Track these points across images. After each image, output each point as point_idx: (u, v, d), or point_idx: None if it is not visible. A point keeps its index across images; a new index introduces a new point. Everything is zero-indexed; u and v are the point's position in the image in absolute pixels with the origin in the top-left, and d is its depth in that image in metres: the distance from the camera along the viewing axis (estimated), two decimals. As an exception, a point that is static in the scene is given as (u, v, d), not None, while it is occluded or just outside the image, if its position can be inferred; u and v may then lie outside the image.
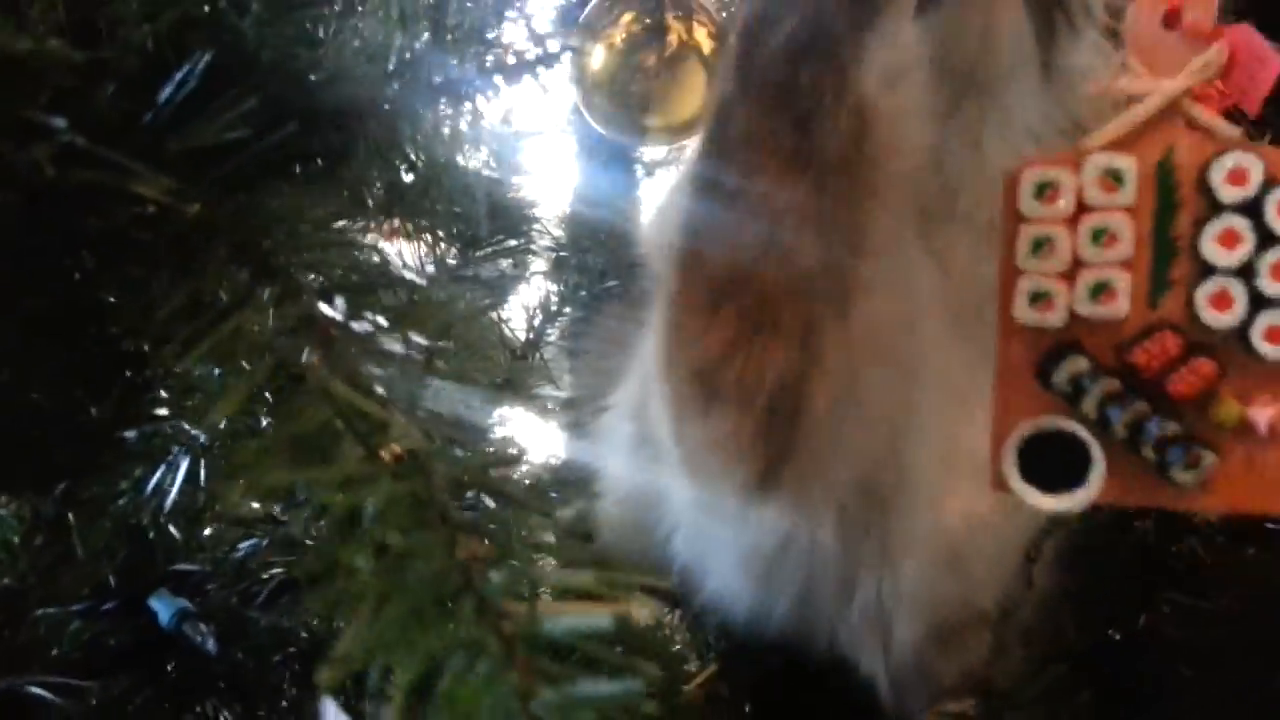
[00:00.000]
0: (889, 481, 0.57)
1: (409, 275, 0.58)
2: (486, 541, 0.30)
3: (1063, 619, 0.72)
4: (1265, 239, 0.39)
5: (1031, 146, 0.52)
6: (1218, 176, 0.39)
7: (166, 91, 0.38)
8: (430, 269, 0.68)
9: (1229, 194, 0.39)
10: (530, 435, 0.86)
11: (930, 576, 0.62)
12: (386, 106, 0.44)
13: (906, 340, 0.53)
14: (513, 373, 0.91)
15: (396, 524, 0.30)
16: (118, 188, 0.36)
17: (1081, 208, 0.39)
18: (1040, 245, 0.40)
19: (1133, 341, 0.40)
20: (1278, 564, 0.67)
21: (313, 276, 0.38)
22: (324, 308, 0.36)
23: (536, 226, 0.94)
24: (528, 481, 0.33)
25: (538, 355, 0.95)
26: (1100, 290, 0.40)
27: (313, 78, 0.42)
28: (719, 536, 0.63)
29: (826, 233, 0.47)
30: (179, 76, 0.39)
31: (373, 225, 0.55)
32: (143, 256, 0.37)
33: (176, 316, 0.36)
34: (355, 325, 0.36)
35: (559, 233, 0.99)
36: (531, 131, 0.95)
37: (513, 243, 0.87)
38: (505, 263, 0.87)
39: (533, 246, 0.87)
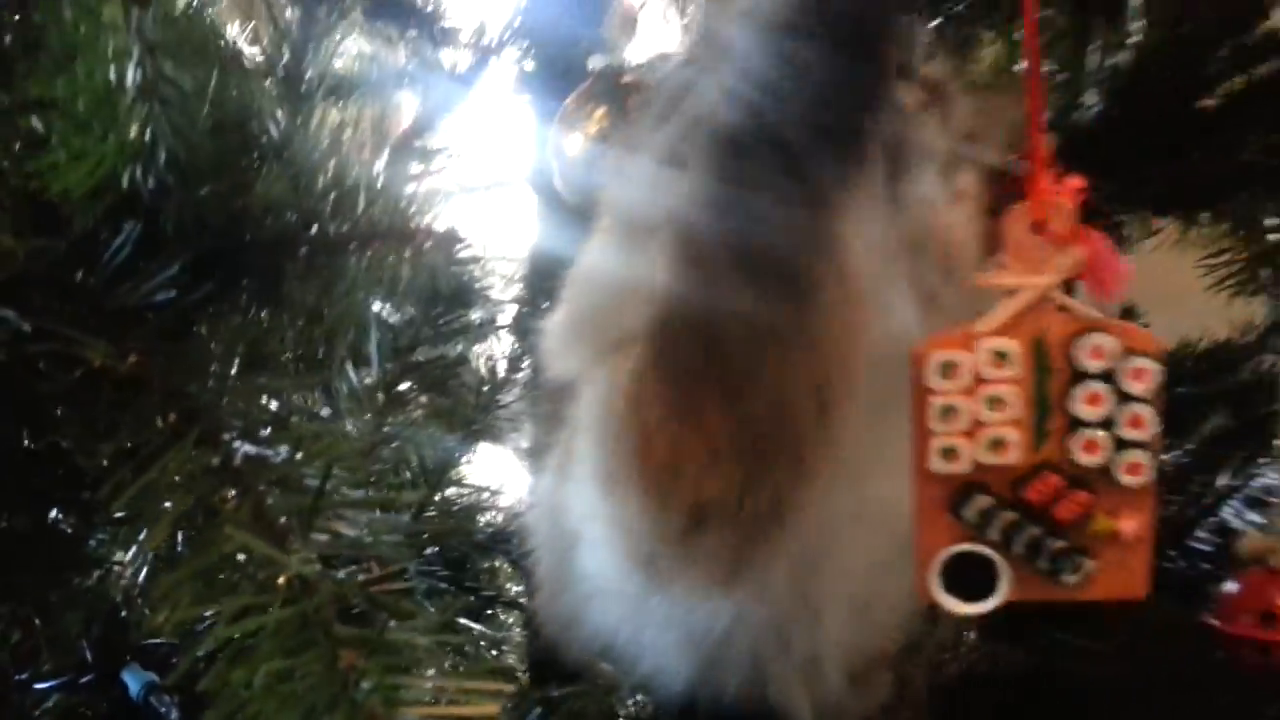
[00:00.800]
0: (819, 545, 0.63)
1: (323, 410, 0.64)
2: (365, 652, 0.37)
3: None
4: (1122, 398, 0.50)
5: None
6: (1081, 352, 0.49)
7: (103, 261, 0.45)
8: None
9: (1091, 365, 0.49)
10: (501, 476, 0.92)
11: (848, 625, 0.67)
12: (304, 254, 0.51)
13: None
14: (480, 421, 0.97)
15: (284, 644, 0.36)
16: (62, 353, 0.43)
17: (978, 380, 0.49)
18: (947, 412, 0.50)
19: (1023, 481, 0.51)
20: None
21: (234, 420, 0.45)
22: (241, 446, 0.43)
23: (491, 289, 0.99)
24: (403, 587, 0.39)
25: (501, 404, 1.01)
26: (996, 444, 0.50)
27: (235, 236, 0.48)
28: (661, 624, 0.64)
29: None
30: (113, 247, 0.46)
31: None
32: (88, 407, 0.44)
33: (115, 457, 0.43)
34: (269, 458, 0.43)
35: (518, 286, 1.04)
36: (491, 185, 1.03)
37: (468, 316, 0.92)
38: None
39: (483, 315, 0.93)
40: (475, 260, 0.86)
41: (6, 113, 0.43)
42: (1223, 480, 0.92)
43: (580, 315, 0.63)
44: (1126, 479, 0.50)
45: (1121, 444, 0.50)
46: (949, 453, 0.50)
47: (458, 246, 0.83)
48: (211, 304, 0.51)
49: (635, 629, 0.64)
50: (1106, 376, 0.50)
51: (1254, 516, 0.89)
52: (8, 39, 0.45)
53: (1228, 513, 0.90)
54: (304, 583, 0.38)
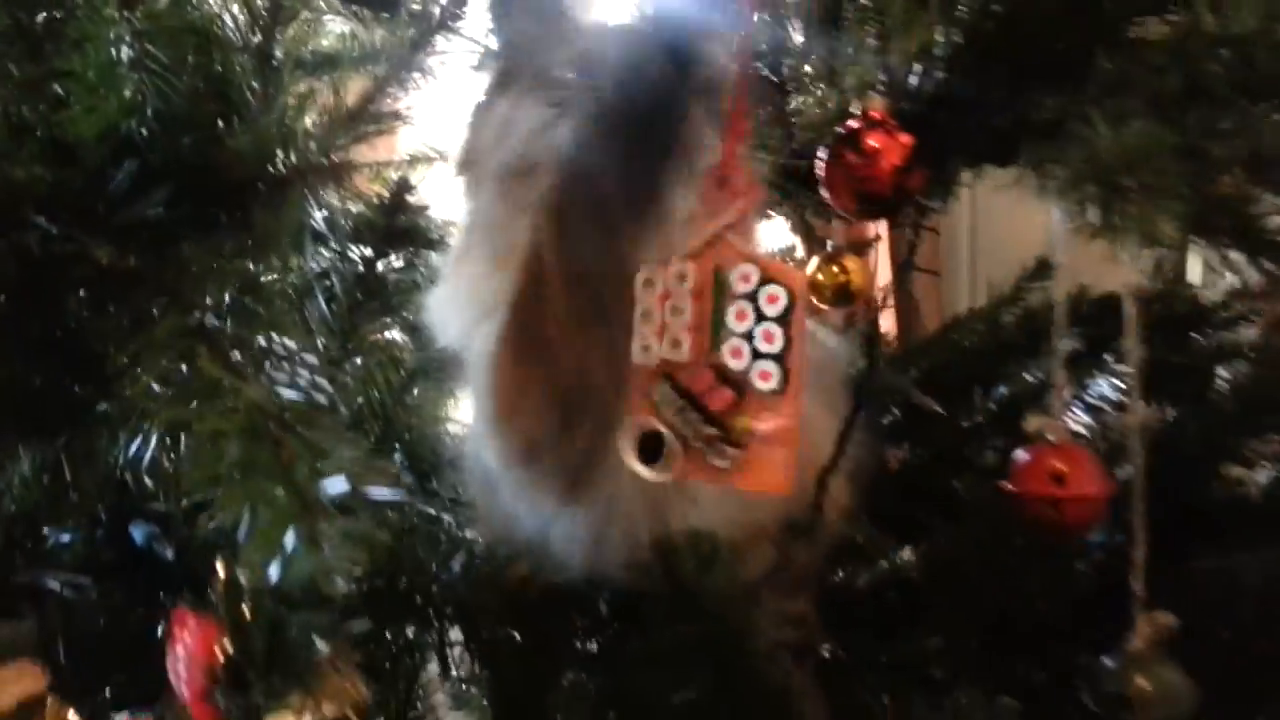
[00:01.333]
0: None
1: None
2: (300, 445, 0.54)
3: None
4: (759, 316, 0.65)
5: None
6: (735, 277, 0.65)
7: (109, 189, 0.62)
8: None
9: (740, 287, 0.65)
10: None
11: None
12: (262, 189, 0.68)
13: None
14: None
15: (243, 444, 0.54)
16: (79, 254, 0.60)
17: (666, 293, 0.65)
18: (644, 316, 0.66)
19: (690, 374, 0.66)
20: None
21: (208, 300, 0.62)
22: (212, 319, 0.60)
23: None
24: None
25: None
26: (675, 343, 0.65)
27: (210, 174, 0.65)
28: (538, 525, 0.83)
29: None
30: (118, 178, 0.63)
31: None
32: (97, 295, 0.61)
33: (121, 331, 0.60)
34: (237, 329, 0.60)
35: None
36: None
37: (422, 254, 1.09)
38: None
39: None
40: (422, 208, 1.05)
41: (38, 81, 0.60)
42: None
43: (456, 290, 0.82)
44: (759, 384, 0.65)
45: (757, 354, 0.65)
46: (645, 349, 0.66)
47: (412, 197, 1.01)
48: (192, 224, 0.68)
49: (527, 529, 0.83)
50: (751, 298, 0.65)
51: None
52: (38, 29, 0.62)
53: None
54: (256, 405, 0.55)
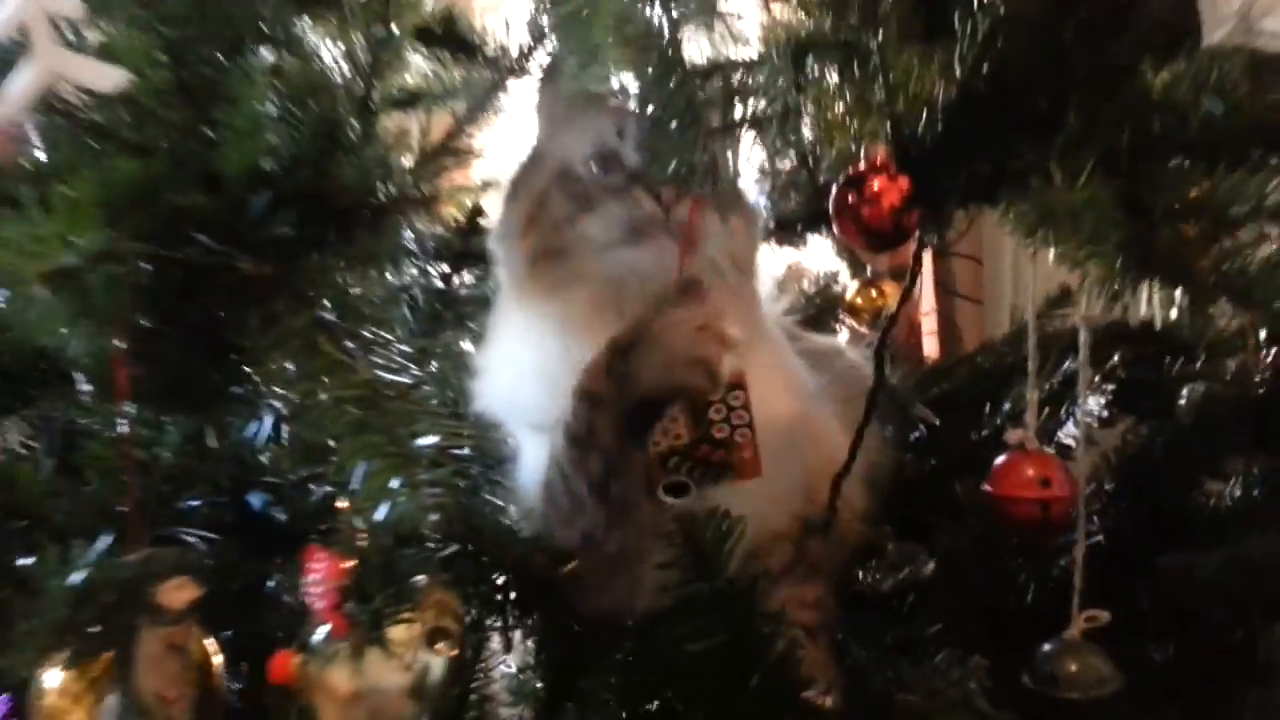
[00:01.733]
0: None
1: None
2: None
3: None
4: (729, 407, 0.95)
5: None
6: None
7: (249, 214, 0.80)
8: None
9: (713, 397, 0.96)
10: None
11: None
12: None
13: None
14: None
15: (359, 408, 0.70)
16: (227, 265, 0.77)
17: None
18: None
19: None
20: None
21: (326, 303, 0.79)
22: (329, 317, 0.77)
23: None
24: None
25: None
26: (677, 435, 0.95)
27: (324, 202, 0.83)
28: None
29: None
30: (256, 204, 0.80)
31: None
32: (239, 297, 0.78)
33: (255, 326, 0.77)
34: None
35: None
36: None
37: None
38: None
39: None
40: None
41: (200, 128, 0.78)
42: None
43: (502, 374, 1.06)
44: (738, 440, 0.94)
45: (734, 427, 0.93)
46: (656, 443, 0.93)
47: (479, 218, 1.19)
48: (312, 241, 0.85)
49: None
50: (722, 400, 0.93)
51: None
52: (197, 85, 0.79)
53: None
54: (367, 380, 0.72)
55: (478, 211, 1.19)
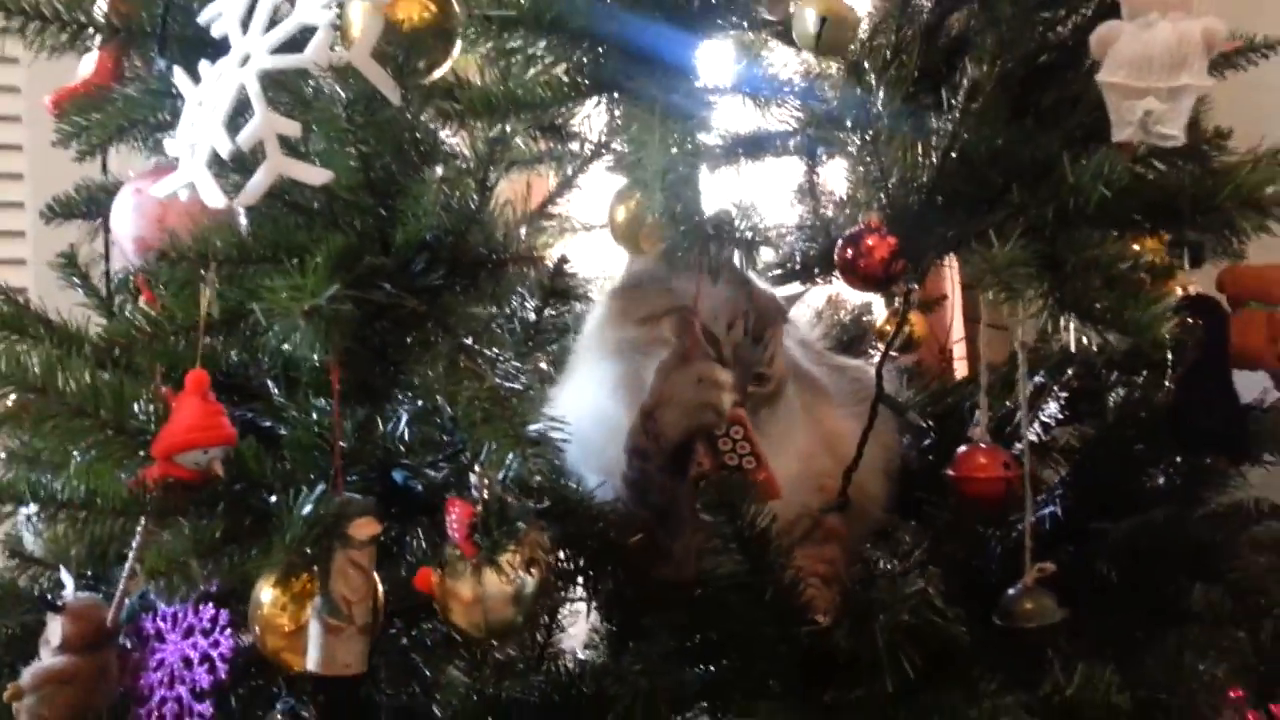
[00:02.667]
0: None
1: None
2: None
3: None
4: (733, 441, 1.34)
5: None
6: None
7: (415, 266, 1.14)
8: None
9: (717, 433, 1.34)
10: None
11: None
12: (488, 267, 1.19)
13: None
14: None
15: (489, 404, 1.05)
16: (398, 304, 1.12)
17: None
18: None
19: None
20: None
21: (464, 333, 1.14)
22: (469, 342, 1.12)
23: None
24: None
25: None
26: (699, 464, 1.33)
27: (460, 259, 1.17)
28: None
29: None
30: (418, 261, 1.15)
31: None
32: (403, 326, 1.13)
33: (413, 351, 1.13)
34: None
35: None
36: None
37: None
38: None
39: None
40: (576, 275, 1.58)
41: (380, 212, 1.13)
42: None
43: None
44: (746, 465, 1.24)
45: (740, 455, 1.25)
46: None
47: (567, 267, 1.54)
48: (452, 288, 1.19)
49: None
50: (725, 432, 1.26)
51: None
52: (380, 182, 1.14)
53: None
54: (493, 386, 1.07)
55: (564, 260, 1.55)
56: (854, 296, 2.04)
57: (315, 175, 1.11)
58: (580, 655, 1.38)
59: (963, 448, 1.38)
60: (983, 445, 1.37)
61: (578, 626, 1.42)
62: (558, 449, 1.13)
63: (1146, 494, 1.51)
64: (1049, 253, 1.23)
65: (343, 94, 1.09)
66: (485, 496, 1.05)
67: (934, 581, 1.20)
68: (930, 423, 1.61)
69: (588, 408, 1.39)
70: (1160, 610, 1.38)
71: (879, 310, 2.01)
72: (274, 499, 1.09)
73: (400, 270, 1.13)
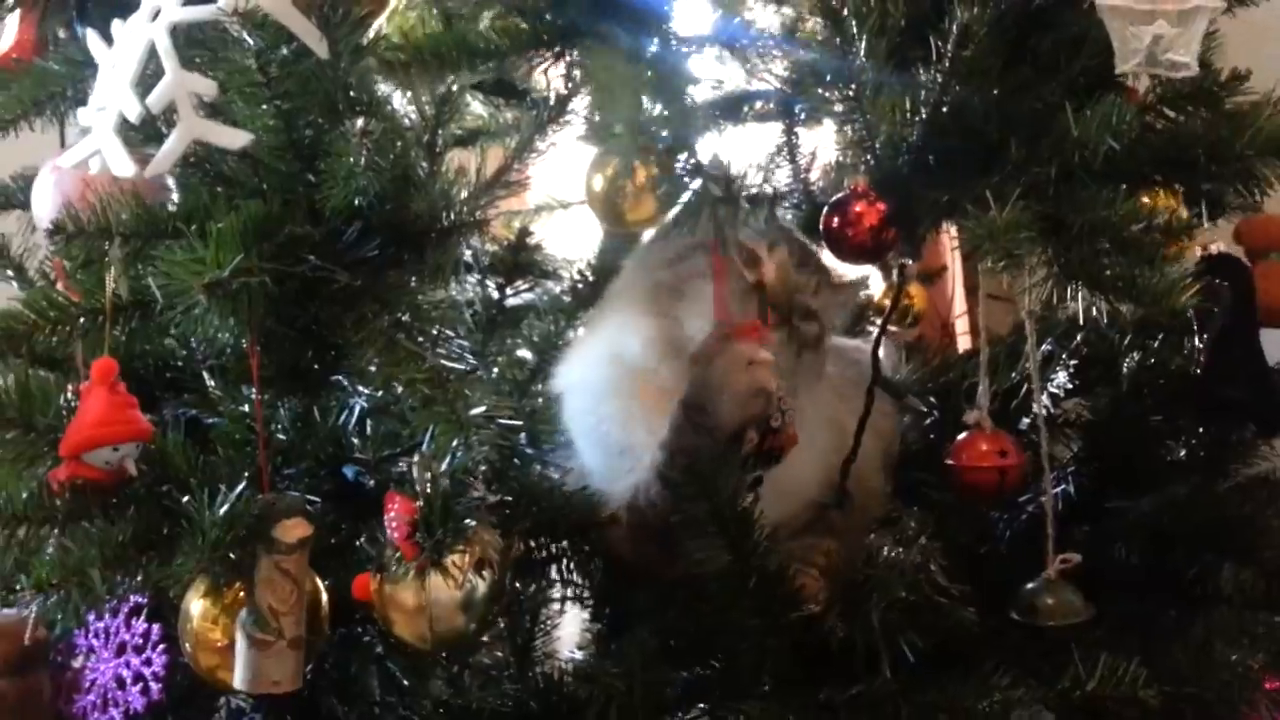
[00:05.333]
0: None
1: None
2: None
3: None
4: None
5: None
6: None
7: (347, 237, 1.03)
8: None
9: None
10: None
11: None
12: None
13: None
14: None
15: (428, 385, 0.93)
16: (328, 278, 1.00)
17: None
18: None
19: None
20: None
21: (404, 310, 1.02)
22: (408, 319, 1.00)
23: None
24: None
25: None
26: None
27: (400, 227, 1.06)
28: None
29: None
30: (350, 231, 1.03)
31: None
32: (336, 303, 1.01)
33: (349, 326, 1.01)
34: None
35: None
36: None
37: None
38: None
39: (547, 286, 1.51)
40: (539, 248, 1.46)
41: (308, 177, 1.01)
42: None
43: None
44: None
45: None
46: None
47: (530, 240, 1.42)
48: (392, 260, 1.08)
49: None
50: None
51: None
52: (303, 142, 1.03)
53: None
54: (435, 367, 0.95)
55: (524, 233, 1.43)
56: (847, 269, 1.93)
57: (233, 138, 1.00)
58: (574, 655, 1.28)
59: (962, 434, 1.26)
60: (984, 430, 1.25)
61: (568, 624, 1.33)
62: (511, 433, 1.00)
63: (1166, 468, 1.39)
64: (1052, 214, 1.12)
65: (254, 44, 0.97)
66: (428, 490, 0.93)
67: (934, 556, 1.08)
68: (932, 399, 1.48)
69: (615, 365, 1.27)
70: (1186, 594, 1.27)
71: (876, 284, 1.90)
72: (193, 500, 0.96)
73: (330, 241, 1.01)
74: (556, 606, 1.32)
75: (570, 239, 1.65)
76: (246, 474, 1.02)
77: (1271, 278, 1.30)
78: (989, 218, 1.07)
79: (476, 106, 1.60)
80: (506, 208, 1.49)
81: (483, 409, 0.94)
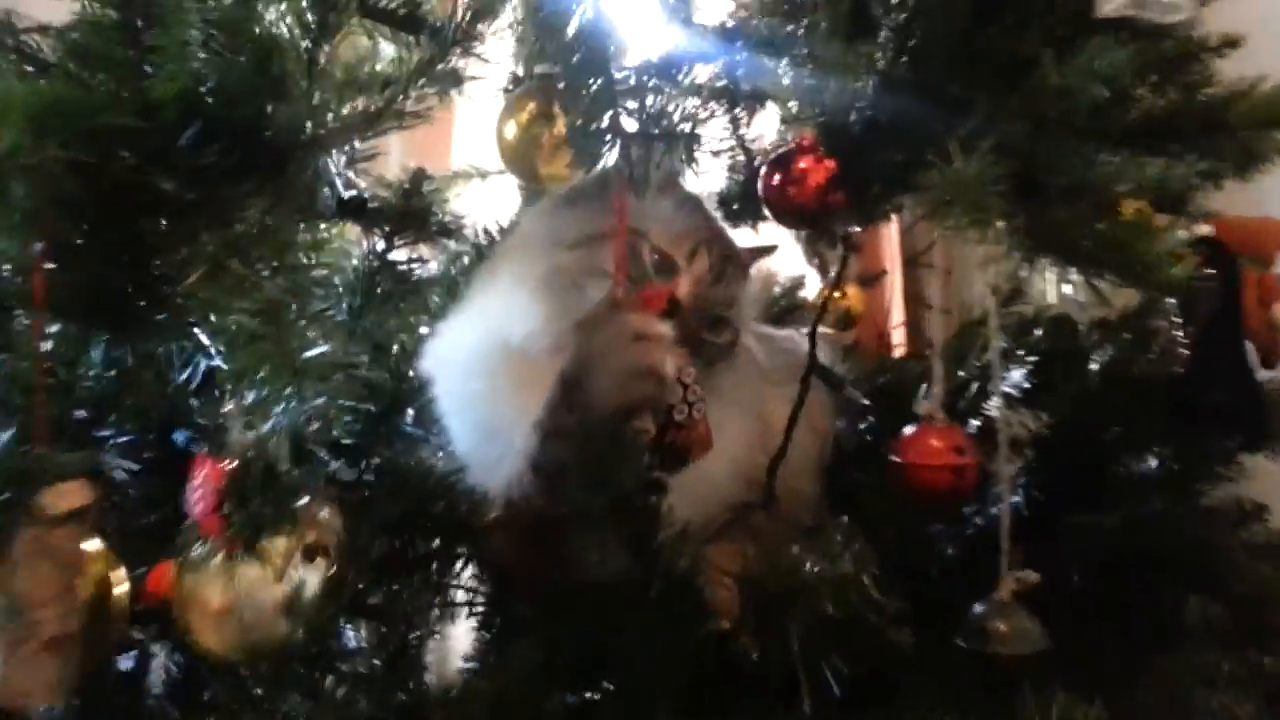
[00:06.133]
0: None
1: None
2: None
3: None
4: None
5: None
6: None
7: (182, 140, 0.84)
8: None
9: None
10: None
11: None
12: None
13: None
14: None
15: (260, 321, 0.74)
16: (154, 185, 0.81)
17: None
18: None
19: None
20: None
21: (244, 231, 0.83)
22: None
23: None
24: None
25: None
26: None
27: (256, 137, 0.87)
28: None
29: None
30: (187, 133, 0.84)
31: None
32: (161, 218, 0.82)
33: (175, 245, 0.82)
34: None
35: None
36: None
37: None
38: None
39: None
40: (437, 192, 1.27)
41: (134, 60, 0.82)
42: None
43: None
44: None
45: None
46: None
47: (420, 182, 1.23)
48: (239, 172, 0.89)
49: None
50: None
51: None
52: (137, 21, 0.84)
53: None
54: (269, 297, 0.76)
55: (419, 176, 1.24)
56: (785, 268, 1.79)
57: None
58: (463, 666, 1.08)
59: (910, 427, 1.10)
60: (935, 423, 1.09)
61: (459, 631, 1.12)
62: (374, 393, 0.81)
63: (1130, 482, 1.24)
64: (1026, 174, 0.96)
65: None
66: (248, 453, 0.73)
67: (867, 567, 0.93)
68: (871, 398, 1.33)
69: (493, 349, 1.09)
70: (1153, 626, 1.11)
71: (813, 286, 1.77)
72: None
73: (161, 141, 0.82)
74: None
75: (490, 210, 1.46)
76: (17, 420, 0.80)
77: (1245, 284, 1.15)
78: (953, 169, 0.91)
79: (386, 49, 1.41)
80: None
81: (322, 350, 0.74)
